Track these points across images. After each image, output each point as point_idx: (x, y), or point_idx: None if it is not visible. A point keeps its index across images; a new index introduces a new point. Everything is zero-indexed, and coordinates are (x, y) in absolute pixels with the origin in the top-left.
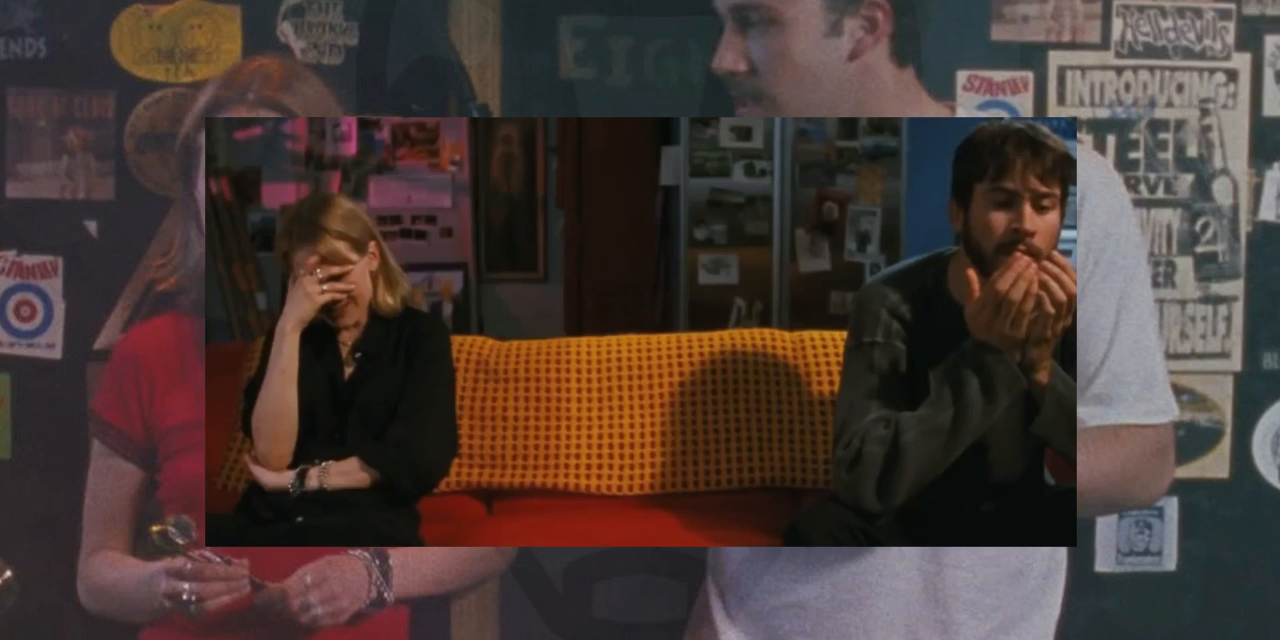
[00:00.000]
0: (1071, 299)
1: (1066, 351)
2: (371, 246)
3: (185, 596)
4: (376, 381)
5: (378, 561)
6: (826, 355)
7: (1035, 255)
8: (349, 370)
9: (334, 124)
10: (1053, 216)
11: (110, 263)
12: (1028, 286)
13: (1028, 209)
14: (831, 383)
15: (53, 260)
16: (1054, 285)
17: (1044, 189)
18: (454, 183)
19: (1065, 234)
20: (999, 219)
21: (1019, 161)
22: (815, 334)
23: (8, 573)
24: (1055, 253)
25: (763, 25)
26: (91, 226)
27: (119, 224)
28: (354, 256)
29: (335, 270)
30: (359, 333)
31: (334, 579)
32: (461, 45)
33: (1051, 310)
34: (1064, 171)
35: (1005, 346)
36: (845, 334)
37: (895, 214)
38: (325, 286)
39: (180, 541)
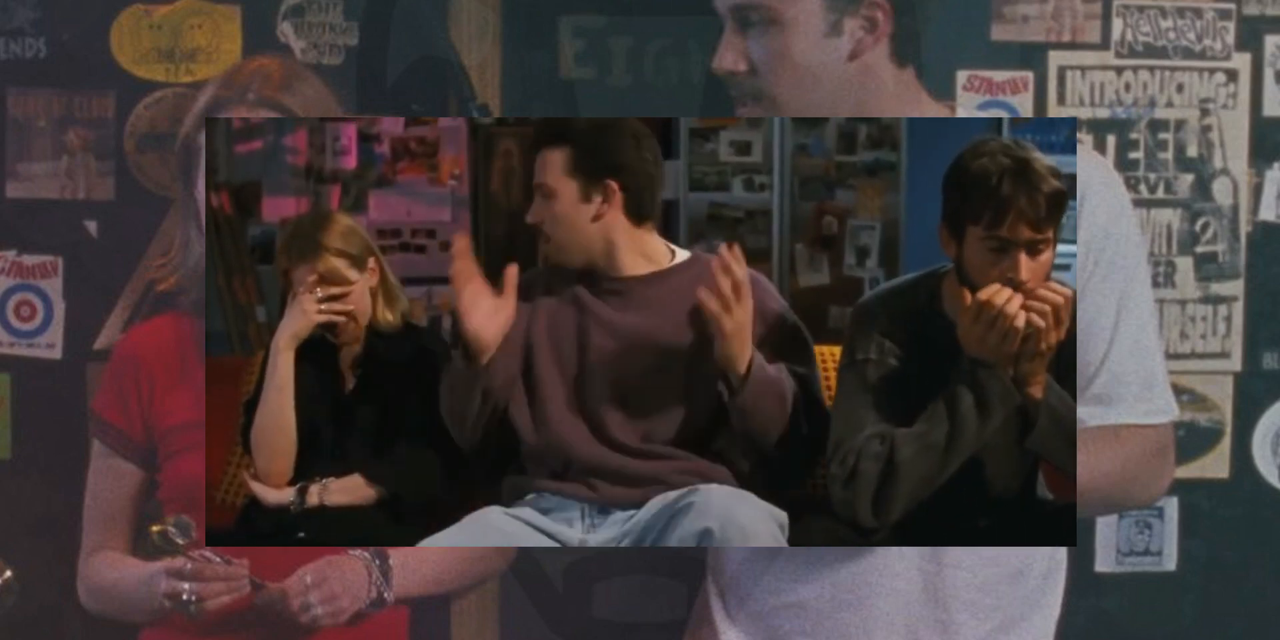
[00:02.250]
0: (1058, 310)
1: (1065, 354)
2: (371, 263)
3: (185, 596)
4: (377, 397)
5: (378, 561)
6: (825, 369)
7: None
8: (349, 386)
9: (334, 138)
10: (1046, 256)
11: (110, 263)
12: (1012, 295)
13: (1023, 258)
14: (830, 397)
15: (53, 260)
16: (1042, 292)
17: (1039, 236)
18: (454, 197)
19: (1065, 238)
20: (993, 265)
21: (1014, 210)
22: (814, 348)
23: (8, 573)
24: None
25: (763, 25)
26: (91, 226)
27: (119, 224)
28: (353, 274)
29: (335, 290)
30: (359, 348)
31: (334, 579)
32: (461, 45)
33: (1041, 322)
34: (1059, 209)
35: (998, 361)
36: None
37: (894, 228)
38: (323, 306)
39: (180, 541)
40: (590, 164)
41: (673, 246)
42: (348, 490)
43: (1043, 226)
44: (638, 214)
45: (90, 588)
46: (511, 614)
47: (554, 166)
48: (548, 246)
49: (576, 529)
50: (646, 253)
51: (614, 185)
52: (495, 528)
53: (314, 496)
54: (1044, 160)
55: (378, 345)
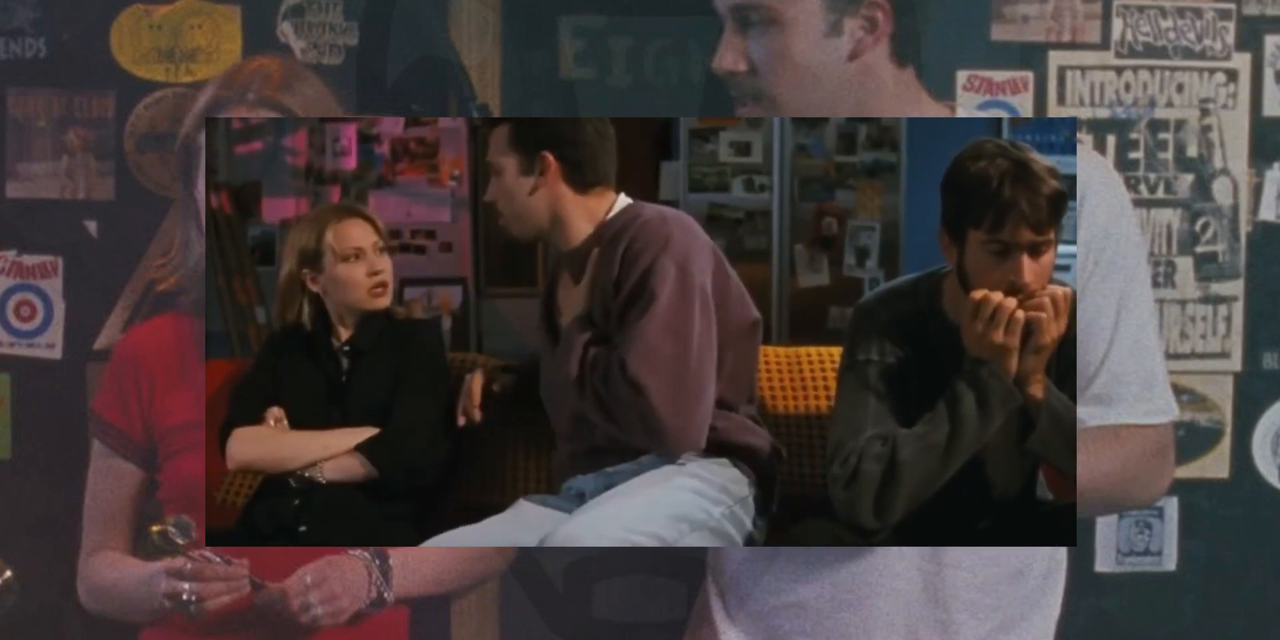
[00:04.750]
0: (1056, 301)
1: (1065, 354)
2: (384, 256)
3: (185, 596)
4: (371, 379)
5: (378, 561)
6: (824, 370)
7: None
8: (344, 370)
9: (334, 138)
10: (1048, 257)
11: (110, 263)
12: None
13: (1025, 260)
14: (829, 398)
15: (53, 260)
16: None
17: (1041, 238)
18: (454, 197)
19: (1064, 239)
20: (995, 269)
21: (1015, 213)
22: (813, 350)
23: (8, 573)
24: None
25: (763, 25)
26: (91, 226)
27: (119, 224)
28: (374, 237)
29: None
30: (351, 333)
31: (334, 579)
32: (461, 45)
33: (1040, 314)
34: (1060, 209)
35: (1000, 358)
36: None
37: (894, 229)
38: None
39: (180, 541)
40: (525, 137)
41: (619, 201)
42: (342, 466)
43: (1044, 228)
44: (581, 183)
45: (90, 588)
46: (511, 614)
47: (497, 143)
48: (500, 222)
49: None
50: (592, 215)
51: (549, 156)
52: (529, 521)
53: (319, 473)
54: (1042, 161)
55: (370, 329)
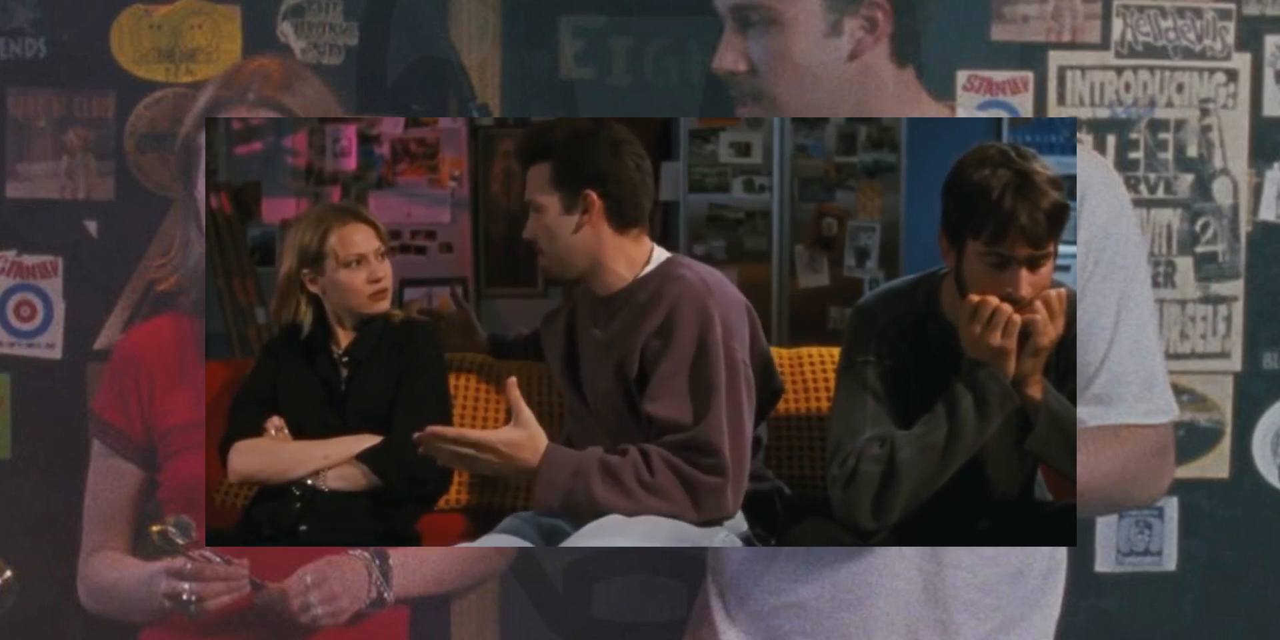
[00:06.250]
0: (1050, 302)
1: (1065, 354)
2: (384, 259)
3: (185, 596)
4: (370, 385)
5: (378, 561)
6: (824, 371)
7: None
8: (344, 376)
9: (334, 139)
10: (1046, 269)
11: (110, 263)
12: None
13: (1023, 274)
14: (830, 399)
15: (53, 260)
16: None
17: (1040, 252)
18: (454, 198)
19: (1064, 239)
20: (993, 280)
21: (1015, 227)
22: (813, 350)
23: (8, 573)
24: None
25: (763, 25)
26: (91, 226)
27: (119, 224)
28: (376, 242)
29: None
30: (350, 338)
31: (334, 579)
32: (461, 45)
33: (1036, 316)
34: (1060, 223)
35: (998, 360)
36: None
37: (894, 230)
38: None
39: (180, 541)
40: (569, 176)
41: (656, 252)
42: (344, 475)
43: (1043, 243)
44: (621, 221)
45: (90, 588)
46: (511, 614)
47: (538, 181)
48: (543, 261)
49: None
50: (631, 262)
51: (593, 195)
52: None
53: (321, 480)
54: (1045, 171)
55: (369, 335)
